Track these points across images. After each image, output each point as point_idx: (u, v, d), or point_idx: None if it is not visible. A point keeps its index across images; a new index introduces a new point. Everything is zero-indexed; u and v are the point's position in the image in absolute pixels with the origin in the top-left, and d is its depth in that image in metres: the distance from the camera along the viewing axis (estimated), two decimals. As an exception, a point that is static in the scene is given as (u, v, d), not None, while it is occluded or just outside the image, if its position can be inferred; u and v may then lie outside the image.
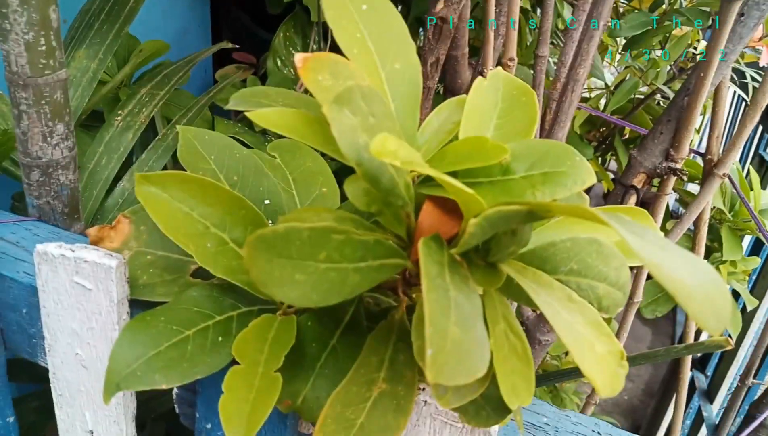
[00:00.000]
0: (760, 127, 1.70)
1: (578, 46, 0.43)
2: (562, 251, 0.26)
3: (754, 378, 0.68)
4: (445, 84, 0.72)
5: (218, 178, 0.39)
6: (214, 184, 0.34)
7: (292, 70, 1.27)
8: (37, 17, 0.42)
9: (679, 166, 0.55)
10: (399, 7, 1.70)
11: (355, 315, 0.34)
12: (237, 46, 1.35)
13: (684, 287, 0.17)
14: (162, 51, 1.04)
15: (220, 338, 0.32)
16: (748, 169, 0.93)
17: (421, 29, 1.76)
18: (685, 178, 0.55)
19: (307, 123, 0.27)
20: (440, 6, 0.49)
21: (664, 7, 0.78)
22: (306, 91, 1.27)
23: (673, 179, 0.56)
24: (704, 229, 0.65)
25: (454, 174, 0.26)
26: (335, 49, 0.91)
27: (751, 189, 0.86)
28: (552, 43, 1.06)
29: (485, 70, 0.52)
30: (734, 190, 0.87)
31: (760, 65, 0.81)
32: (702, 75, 0.50)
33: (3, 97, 0.65)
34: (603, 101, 0.98)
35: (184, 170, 0.40)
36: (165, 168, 0.70)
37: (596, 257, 0.27)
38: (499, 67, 0.32)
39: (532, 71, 0.65)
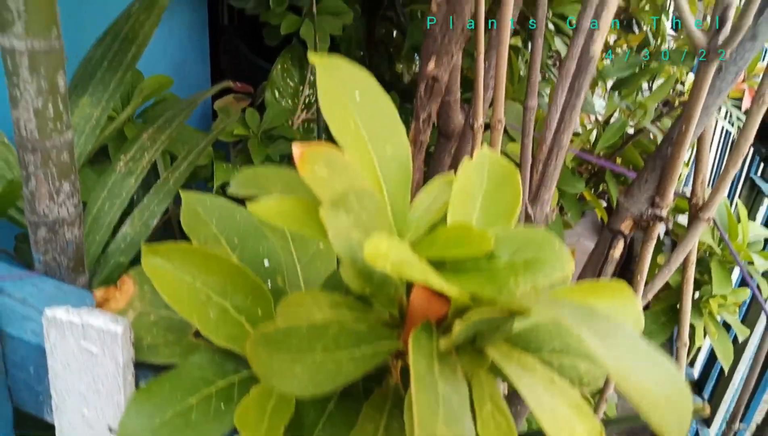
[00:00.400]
0: (751, 150, 1.73)
1: (561, 114, 0.45)
2: (545, 332, 0.28)
3: (741, 422, 0.69)
4: (438, 127, 0.74)
5: (219, 241, 0.41)
6: (215, 255, 0.36)
7: (289, 102, 1.29)
8: (45, 85, 0.44)
9: (664, 214, 0.57)
10: (394, 33, 1.73)
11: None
12: (237, 84, 1.38)
13: (649, 397, 0.19)
14: (165, 87, 1.06)
15: (222, 406, 0.34)
16: (737, 202, 0.95)
17: (416, 54, 1.79)
18: (670, 226, 0.57)
19: (306, 212, 0.28)
20: (431, 66, 0.51)
21: (651, 48, 0.80)
22: (302, 124, 1.30)
23: (659, 225, 0.58)
24: (692, 269, 0.66)
25: (441, 262, 0.28)
26: None
27: (738, 221, 0.88)
28: (543, 77, 1.08)
29: (475, 123, 0.54)
30: (725, 221, 0.89)
31: (743, 110, 0.83)
32: (684, 128, 0.52)
33: (9, 147, 0.66)
34: (594, 133, 1.01)
35: (186, 214, 0.42)
36: (166, 212, 0.71)
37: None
38: (486, 147, 0.33)
39: (522, 105, 0.67)
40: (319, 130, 1.25)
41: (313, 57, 0.31)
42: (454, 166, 0.68)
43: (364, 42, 1.57)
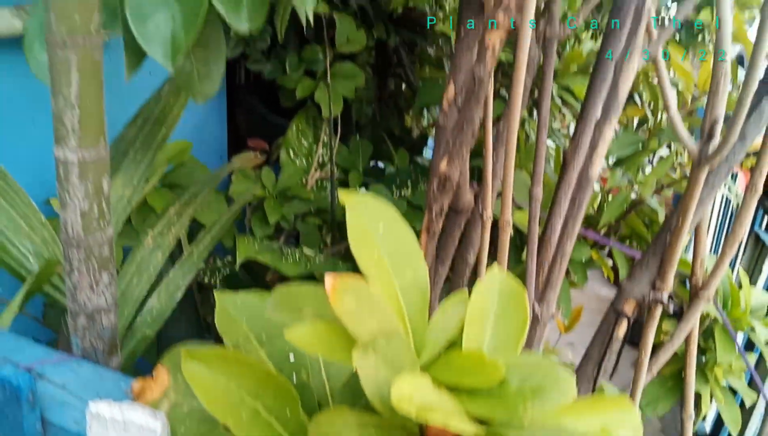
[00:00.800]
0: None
1: (564, 223, 0.48)
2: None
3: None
4: (450, 204, 0.78)
5: (250, 339, 0.45)
6: (249, 361, 0.39)
7: (303, 161, 1.35)
8: (92, 189, 0.49)
9: (664, 297, 0.60)
10: (404, 85, 1.79)
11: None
12: (253, 142, 1.43)
13: None
14: (185, 152, 1.12)
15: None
16: (738, 269, 0.98)
17: (425, 109, 1.85)
18: (670, 311, 0.60)
19: (336, 338, 0.32)
20: (444, 166, 0.55)
21: (649, 126, 0.84)
22: (316, 182, 1.34)
23: (660, 308, 0.61)
24: (694, 345, 0.69)
25: (457, 387, 0.31)
26: (344, 139, 0.98)
27: (740, 288, 0.90)
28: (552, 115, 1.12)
29: (485, 213, 0.58)
30: (726, 289, 0.91)
31: (738, 192, 0.86)
32: (680, 222, 0.55)
33: (46, 225, 0.71)
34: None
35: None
36: (192, 293, 0.75)
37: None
38: (496, 267, 0.37)
39: (530, 177, 0.71)
40: (332, 188, 1.30)
41: (343, 195, 0.35)
42: (464, 239, 0.72)
43: (375, 99, 1.63)
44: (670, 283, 0.60)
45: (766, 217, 1.68)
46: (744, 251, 1.67)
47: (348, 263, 1.09)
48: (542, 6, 0.52)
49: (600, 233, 0.97)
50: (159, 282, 0.74)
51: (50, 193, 0.97)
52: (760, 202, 1.70)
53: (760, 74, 0.46)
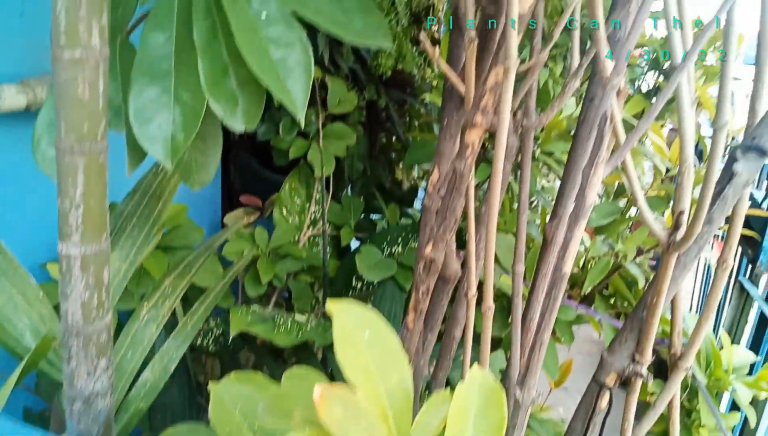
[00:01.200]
0: (739, 250, 1.80)
1: (542, 316, 0.51)
2: None
3: None
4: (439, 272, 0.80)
5: (242, 429, 0.46)
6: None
7: (296, 218, 1.37)
8: (93, 281, 0.51)
9: (644, 371, 0.62)
10: (394, 138, 1.84)
11: None
12: (246, 198, 1.47)
13: None
14: (182, 214, 1.14)
15: None
16: (720, 332, 1.00)
17: (416, 166, 1.89)
18: (650, 382, 0.62)
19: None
20: (429, 250, 0.58)
21: (627, 194, 0.88)
22: (308, 239, 1.37)
23: (640, 380, 0.63)
24: (676, 412, 0.70)
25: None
26: (336, 197, 1.01)
27: (721, 348, 0.93)
28: (531, 205, 1.16)
29: (469, 293, 0.60)
30: (709, 350, 0.94)
31: (711, 263, 0.90)
32: (654, 301, 0.58)
33: (45, 302, 0.72)
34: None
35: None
36: (184, 357, 0.77)
37: None
38: (476, 367, 0.39)
39: (514, 238, 0.73)
40: (324, 246, 1.32)
41: (330, 304, 0.37)
42: (450, 316, 0.74)
43: (366, 154, 1.67)
44: (648, 356, 0.63)
45: (749, 266, 1.72)
46: (729, 300, 1.70)
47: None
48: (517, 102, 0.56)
49: (585, 293, 0.99)
50: (153, 354, 0.76)
51: (46, 257, 0.99)
52: (743, 252, 1.74)
53: (719, 165, 0.49)
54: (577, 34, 0.52)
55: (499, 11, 0.48)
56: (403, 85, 1.61)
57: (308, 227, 1.38)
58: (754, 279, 1.67)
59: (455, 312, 0.66)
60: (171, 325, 0.81)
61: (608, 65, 0.45)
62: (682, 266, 0.60)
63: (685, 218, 0.51)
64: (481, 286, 0.56)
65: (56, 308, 0.63)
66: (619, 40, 0.45)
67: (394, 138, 1.86)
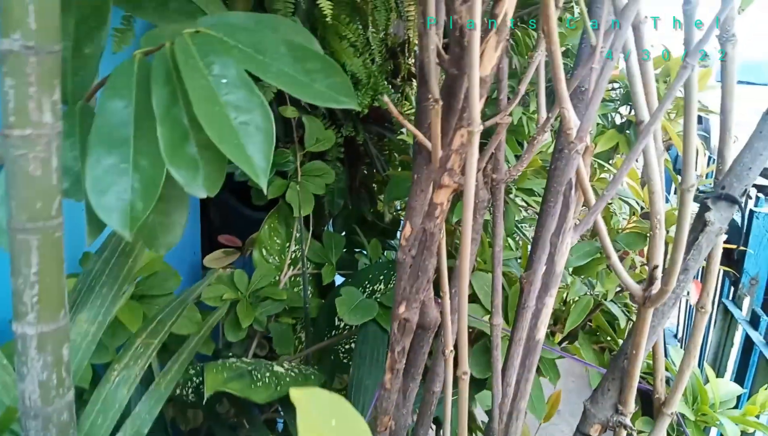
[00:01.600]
0: (721, 272, 1.80)
1: (517, 384, 0.50)
2: None
3: None
4: (418, 320, 0.78)
5: None
6: None
7: (276, 258, 1.36)
8: (51, 359, 0.49)
9: (627, 421, 0.61)
10: (375, 170, 1.84)
11: None
12: (225, 238, 1.45)
13: None
14: (158, 261, 1.12)
15: None
16: (705, 366, 0.99)
17: (398, 202, 1.89)
18: (635, 434, 0.61)
19: None
20: (402, 309, 0.56)
21: (611, 225, 0.88)
22: (289, 279, 1.35)
23: (624, 431, 0.62)
24: (663, 459, 0.69)
25: None
26: (317, 237, 0.99)
27: (707, 382, 0.92)
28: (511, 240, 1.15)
29: (446, 350, 0.59)
30: (694, 386, 0.93)
31: (691, 304, 0.89)
32: (634, 352, 0.57)
33: (7, 367, 0.70)
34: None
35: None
36: (158, 418, 0.74)
37: None
38: (448, 449, 0.38)
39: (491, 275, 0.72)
40: (304, 286, 1.30)
41: (294, 393, 0.36)
42: (429, 371, 0.72)
43: (346, 189, 1.66)
44: (632, 406, 0.61)
45: (732, 288, 1.72)
46: (714, 322, 1.70)
47: (321, 372, 1.08)
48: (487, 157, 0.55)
49: (567, 332, 0.98)
50: (125, 418, 0.73)
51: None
52: (726, 274, 1.75)
53: (687, 226, 0.49)
54: (542, 90, 0.52)
55: (461, 72, 0.47)
56: (381, 120, 1.61)
57: (289, 267, 1.36)
58: (737, 301, 1.67)
59: (434, 366, 0.64)
60: (148, 380, 0.79)
61: (573, 124, 0.44)
62: (660, 315, 0.59)
63: (659, 272, 0.50)
64: (457, 345, 0.55)
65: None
66: (584, 99, 0.45)
67: (374, 170, 1.86)
